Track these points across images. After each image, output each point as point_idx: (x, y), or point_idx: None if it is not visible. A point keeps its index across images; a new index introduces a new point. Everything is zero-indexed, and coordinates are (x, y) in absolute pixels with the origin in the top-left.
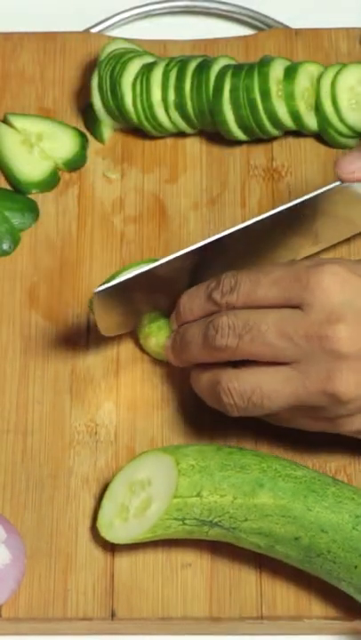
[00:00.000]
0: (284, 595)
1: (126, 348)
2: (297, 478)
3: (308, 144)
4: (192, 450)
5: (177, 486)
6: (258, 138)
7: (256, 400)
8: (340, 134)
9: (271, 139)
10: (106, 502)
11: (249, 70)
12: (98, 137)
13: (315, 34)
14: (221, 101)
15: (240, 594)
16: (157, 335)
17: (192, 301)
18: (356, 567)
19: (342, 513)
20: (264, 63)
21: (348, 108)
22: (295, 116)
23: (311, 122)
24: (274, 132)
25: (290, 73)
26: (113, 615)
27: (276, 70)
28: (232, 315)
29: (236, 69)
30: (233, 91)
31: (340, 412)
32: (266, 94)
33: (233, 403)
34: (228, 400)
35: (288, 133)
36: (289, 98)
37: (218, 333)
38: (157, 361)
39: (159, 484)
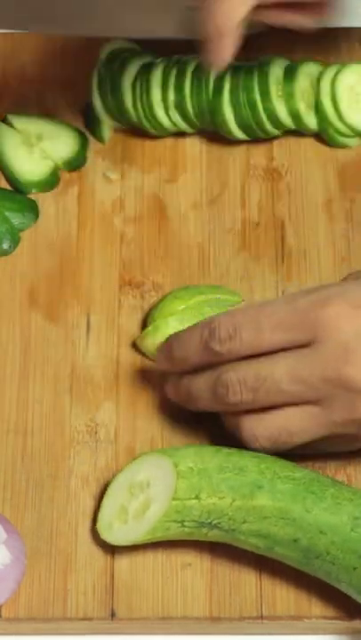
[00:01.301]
0: (283, 595)
1: (126, 348)
2: (296, 480)
3: (308, 144)
4: (191, 452)
5: (176, 489)
6: (258, 137)
7: (285, 440)
8: (340, 134)
9: (271, 138)
10: (105, 504)
11: (248, 70)
12: (98, 137)
13: (315, 34)
14: (221, 101)
15: (240, 594)
16: (154, 336)
17: (185, 349)
18: (355, 568)
19: (341, 514)
20: (264, 63)
21: (348, 107)
22: (295, 115)
23: (311, 121)
24: (274, 131)
25: (290, 73)
26: (113, 615)
27: (276, 70)
28: (240, 369)
29: (236, 69)
30: (233, 90)
31: None
32: (266, 94)
33: (261, 446)
34: (256, 445)
35: (288, 133)
36: (289, 98)
37: (229, 391)
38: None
39: (158, 486)
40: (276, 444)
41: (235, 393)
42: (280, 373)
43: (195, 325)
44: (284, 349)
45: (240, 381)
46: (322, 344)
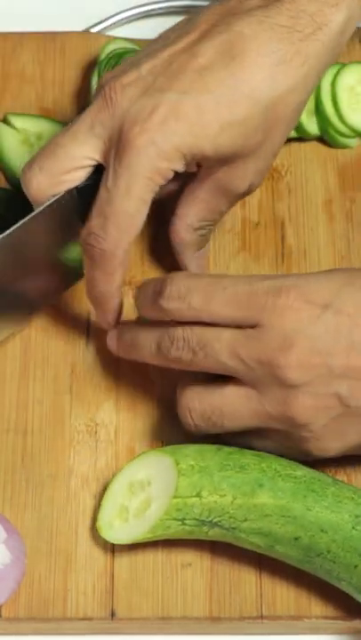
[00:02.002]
0: (284, 595)
1: None
2: (297, 478)
3: (309, 144)
4: (192, 450)
5: (177, 486)
6: None
7: (215, 420)
8: (341, 134)
9: None
10: (105, 503)
11: None
12: None
13: None
14: None
15: (240, 594)
16: None
17: (140, 299)
18: (355, 567)
19: (342, 513)
20: None
21: (348, 107)
22: (297, 125)
23: (312, 128)
24: None
25: None
26: (113, 615)
27: None
28: (188, 329)
29: None
30: None
31: (304, 434)
32: None
33: (192, 422)
34: (188, 419)
35: (289, 139)
36: None
37: (173, 345)
38: None
39: (159, 484)
40: (207, 423)
41: (177, 348)
42: (221, 344)
43: (153, 278)
44: (227, 326)
45: (185, 339)
46: (266, 329)
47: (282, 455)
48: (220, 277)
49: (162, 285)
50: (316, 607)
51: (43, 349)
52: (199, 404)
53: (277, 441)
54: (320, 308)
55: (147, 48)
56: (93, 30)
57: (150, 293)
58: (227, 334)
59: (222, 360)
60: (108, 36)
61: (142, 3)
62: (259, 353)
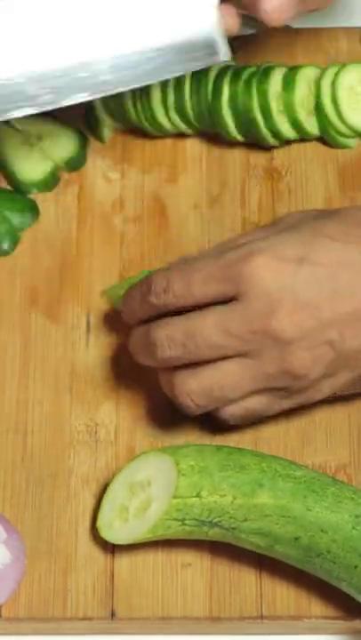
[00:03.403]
0: (284, 595)
1: (126, 348)
2: (297, 478)
3: (309, 144)
4: (192, 450)
5: (176, 487)
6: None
7: (218, 394)
8: (341, 134)
9: None
10: (105, 503)
11: (247, 83)
12: (98, 137)
13: (315, 34)
14: (220, 104)
15: (240, 594)
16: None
17: (130, 304)
18: (355, 567)
19: (342, 513)
20: (262, 80)
21: (348, 107)
22: (297, 125)
23: (312, 128)
24: (275, 142)
25: (288, 82)
26: (113, 615)
27: (275, 85)
28: (168, 325)
29: (235, 75)
30: (232, 99)
31: (303, 384)
32: (267, 112)
33: (193, 404)
34: (188, 402)
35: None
36: (289, 109)
37: (157, 348)
38: None
39: (159, 484)
40: (210, 400)
41: (163, 349)
42: (209, 327)
43: (137, 281)
44: (215, 303)
45: (168, 337)
46: (247, 297)
47: (281, 409)
48: (193, 260)
49: (147, 284)
50: (316, 607)
51: (43, 349)
52: (197, 384)
53: (273, 394)
54: (295, 264)
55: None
56: None
57: (138, 295)
58: (211, 316)
59: (214, 341)
60: None
61: None
62: (248, 323)
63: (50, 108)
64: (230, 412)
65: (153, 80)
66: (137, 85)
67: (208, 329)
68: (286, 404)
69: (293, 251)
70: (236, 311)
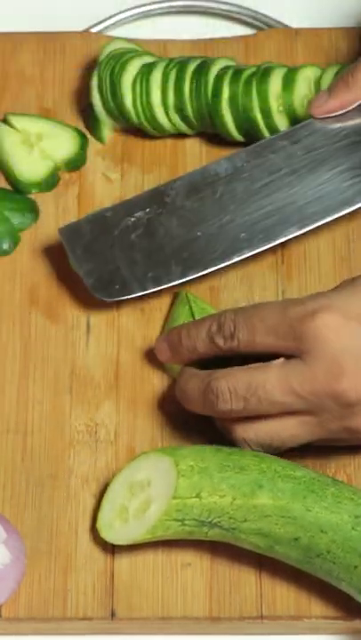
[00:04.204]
0: (284, 595)
1: (126, 348)
2: (296, 479)
3: None
4: (191, 451)
5: (176, 487)
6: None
7: (277, 445)
8: None
9: None
10: (105, 503)
11: (247, 84)
12: (98, 137)
13: (315, 34)
14: (220, 105)
15: (240, 594)
16: None
17: (193, 339)
18: (355, 567)
19: (342, 513)
20: (262, 80)
21: None
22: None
23: None
24: None
25: (288, 82)
26: (113, 615)
27: (275, 85)
28: (231, 377)
29: (235, 76)
30: (232, 99)
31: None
32: (267, 112)
33: (250, 449)
34: (245, 447)
35: None
36: (289, 108)
37: (218, 399)
38: (157, 360)
39: (158, 484)
40: (267, 449)
41: (225, 401)
42: (272, 384)
43: (205, 318)
44: (277, 354)
45: (230, 390)
46: (311, 356)
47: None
48: (258, 308)
49: (218, 324)
50: (316, 607)
51: (43, 349)
52: (255, 435)
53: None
54: (359, 323)
55: None
56: (93, 30)
57: (205, 333)
58: (274, 372)
59: (277, 399)
60: (108, 36)
61: (142, 3)
62: (311, 384)
63: (264, 247)
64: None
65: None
66: (340, 213)
67: (271, 386)
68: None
69: (357, 309)
70: (299, 369)
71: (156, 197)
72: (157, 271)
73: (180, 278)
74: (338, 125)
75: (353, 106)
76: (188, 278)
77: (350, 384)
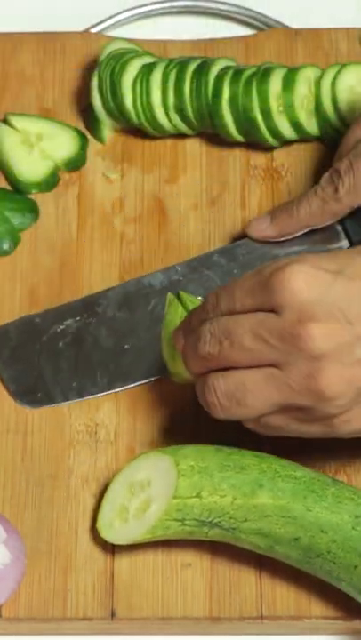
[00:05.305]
0: (284, 595)
1: None
2: (296, 479)
3: (309, 144)
4: (192, 450)
5: (176, 487)
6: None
7: (240, 397)
8: (341, 134)
9: None
10: (105, 503)
11: (247, 84)
12: (98, 137)
13: (315, 34)
14: (220, 105)
15: (240, 594)
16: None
17: (191, 325)
18: (355, 567)
19: (342, 513)
20: (263, 80)
21: (348, 108)
22: (297, 126)
23: (313, 128)
24: (275, 143)
25: (288, 83)
26: (113, 615)
27: (275, 85)
28: (214, 322)
29: (235, 76)
30: (232, 100)
31: (329, 410)
32: (266, 113)
33: (217, 402)
34: (213, 399)
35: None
36: (289, 109)
37: (200, 341)
38: None
39: (159, 484)
40: (232, 401)
41: (205, 342)
42: (244, 329)
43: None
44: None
45: (210, 332)
46: (282, 308)
47: (301, 435)
48: (240, 277)
49: (202, 304)
50: (316, 607)
51: None
52: (224, 383)
53: (294, 415)
54: (331, 275)
55: None
56: (93, 30)
57: (198, 316)
58: (248, 319)
59: (246, 344)
60: (109, 37)
61: (142, 3)
62: (279, 329)
63: None
64: (251, 426)
65: None
66: None
67: (242, 329)
68: (307, 430)
69: (330, 264)
70: (270, 317)
71: (88, 306)
72: (82, 381)
73: (105, 390)
74: (277, 251)
75: (292, 236)
76: (113, 391)
77: (316, 331)
